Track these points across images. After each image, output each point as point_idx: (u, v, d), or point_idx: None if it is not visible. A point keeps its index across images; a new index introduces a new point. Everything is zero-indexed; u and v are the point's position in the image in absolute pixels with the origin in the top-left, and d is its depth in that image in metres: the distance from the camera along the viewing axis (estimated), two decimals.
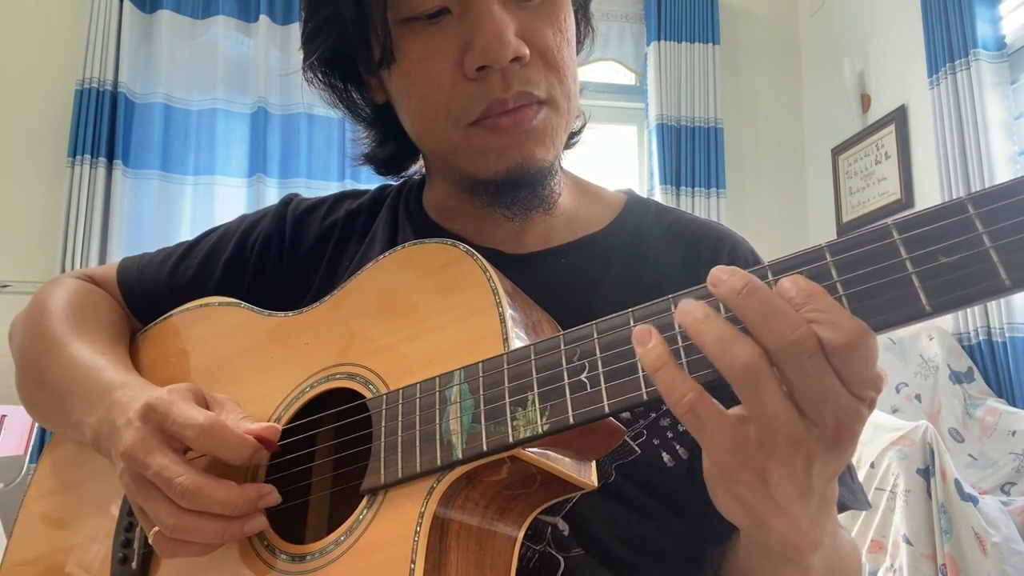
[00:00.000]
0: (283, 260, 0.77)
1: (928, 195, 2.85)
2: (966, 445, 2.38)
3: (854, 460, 1.67)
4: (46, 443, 0.78)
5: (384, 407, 0.53)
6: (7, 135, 2.87)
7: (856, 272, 0.38)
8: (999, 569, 1.78)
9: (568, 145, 0.74)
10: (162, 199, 2.90)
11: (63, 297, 0.76)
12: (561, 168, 0.73)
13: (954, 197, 0.37)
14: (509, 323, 0.51)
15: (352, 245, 0.77)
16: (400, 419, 0.52)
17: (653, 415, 0.62)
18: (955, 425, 2.42)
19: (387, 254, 0.61)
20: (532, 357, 0.47)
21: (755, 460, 0.39)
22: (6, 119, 2.88)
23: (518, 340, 0.50)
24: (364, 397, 0.56)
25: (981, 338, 2.56)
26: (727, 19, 3.57)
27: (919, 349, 2.60)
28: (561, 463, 0.50)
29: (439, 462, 0.48)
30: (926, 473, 1.85)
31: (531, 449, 0.48)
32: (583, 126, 0.76)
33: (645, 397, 0.42)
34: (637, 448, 0.61)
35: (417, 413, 0.51)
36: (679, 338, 0.41)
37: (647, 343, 0.41)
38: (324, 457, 0.62)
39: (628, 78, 3.56)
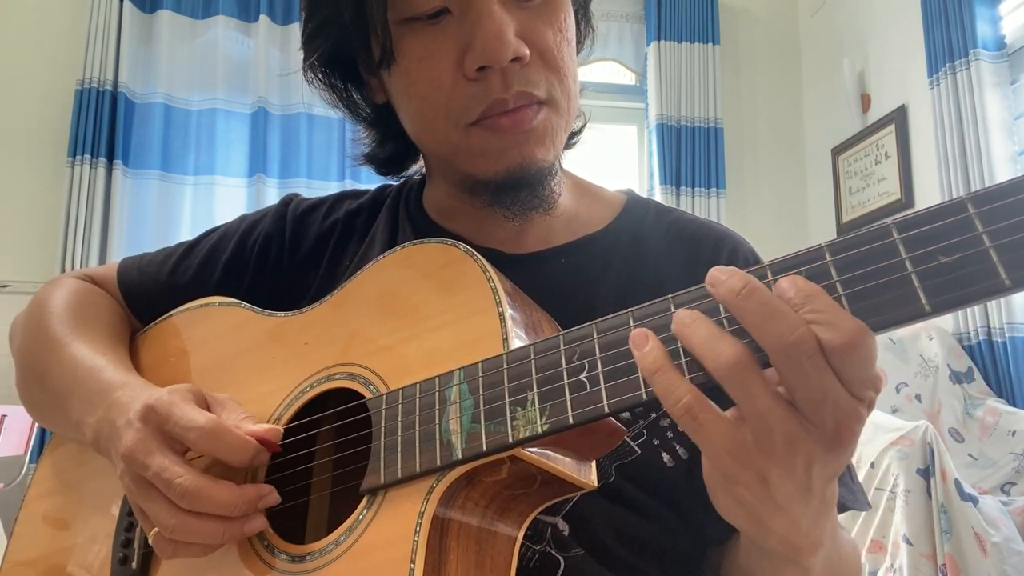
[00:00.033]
0: (283, 260, 0.77)
1: (928, 195, 2.85)
2: (966, 445, 2.38)
3: (854, 460, 1.67)
4: (46, 443, 0.78)
5: (384, 407, 0.53)
6: (7, 135, 2.87)
7: (856, 272, 0.38)
8: (999, 569, 1.78)
9: (568, 145, 0.74)
10: (162, 199, 2.90)
11: (63, 297, 0.76)
12: (561, 168, 0.73)
13: (954, 197, 0.37)
14: (509, 323, 0.51)
15: (352, 245, 0.77)
16: (400, 419, 0.52)
17: (653, 415, 0.62)
18: (955, 425, 2.42)
19: (387, 254, 0.61)
20: (532, 357, 0.47)
21: (754, 461, 0.39)
22: (6, 119, 2.88)
23: (518, 340, 0.50)
24: (364, 397, 0.56)
25: (981, 338, 2.56)
26: (727, 19, 3.57)
27: (919, 349, 2.60)
28: (561, 463, 0.50)
29: (439, 462, 0.48)
30: (926, 473, 1.85)
31: (531, 449, 0.48)
32: (583, 126, 0.76)
33: (644, 397, 0.42)
34: (637, 448, 0.61)
35: (417, 413, 0.51)
36: (678, 339, 0.41)
37: (644, 346, 0.41)
38: (324, 457, 0.62)
39: (628, 78, 3.56)
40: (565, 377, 0.45)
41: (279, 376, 0.62)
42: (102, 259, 2.76)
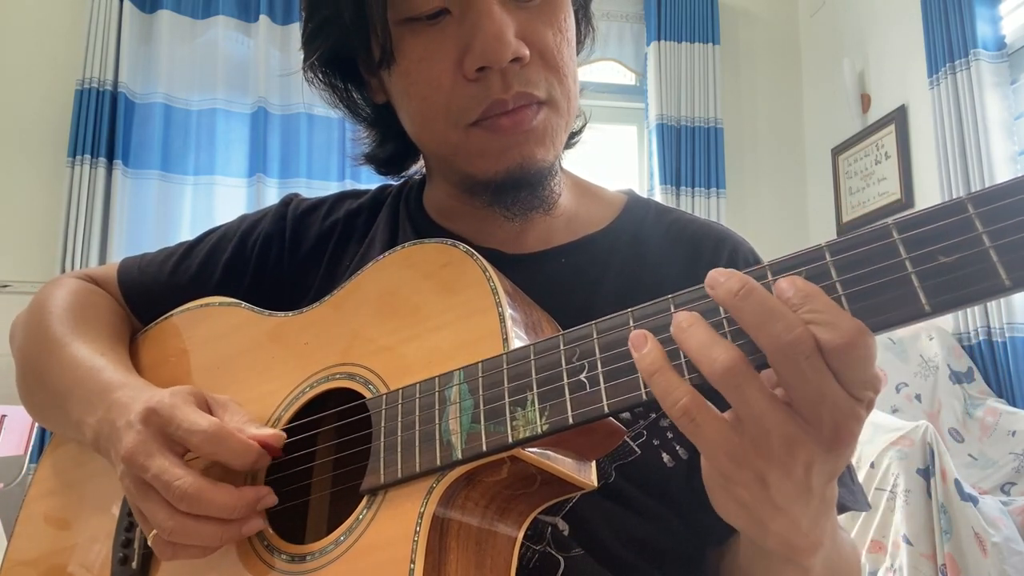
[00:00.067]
0: (283, 260, 0.77)
1: (928, 195, 2.85)
2: (966, 445, 2.38)
3: (854, 460, 1.67)
4: (46, 443, 0.78)
5: (384, 407, 0.53)
6: (7, 135, 2.87)
7: (856, 272, 0.38)
8: (999, 569, 1.78)
9: (568, 145, 0.74)
10: (162, 199, 2.90)
11: (63, 297, 0.76)
12: (561, 168, 0.73)
13: (954, 197, 0.37)
14: (509, 323, 0.51)
15: (352, 245, 0.77)
16: (400, 419, 0.52)
17: (653, 415, 0.62)
18: (955, 425, 2.42)
19: (387, 254, 0.61)
20: (532, 357, 0.47)
21: (752, 462, 0.39)
22: (6, 119, 2.88)
23: (518, 340, 0.50)
24: (364, 397, 0.56)
25: (981, 338, 2.56)
26: (727, 19, 3.57)
27: (919, 349, 2.60)
28: (561, 463, 0.50)
29: (439, 462, 0.48)
30: (926, 473, 1.85)
31: (531, 449, 0.48)
32: (583, 126, 0.76)
33: (644, 398, 0.42)
34: (637, 448, 0.61)
35: (417, 413, 0.51)
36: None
37: (643, 347, 0.41)
38: (324, 457, 0.62)
39: (628, 78, 3.56)
40: (565, 377, 0.45)
41: (279, 376, 0.62)
42: (102, 259, 2.77)
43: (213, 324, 0.71)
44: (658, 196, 3.21)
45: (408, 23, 0.61)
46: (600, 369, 0.44)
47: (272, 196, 2.92)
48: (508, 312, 0.51)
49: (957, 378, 2.52)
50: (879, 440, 1.94)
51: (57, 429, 0.75)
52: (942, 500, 1.81)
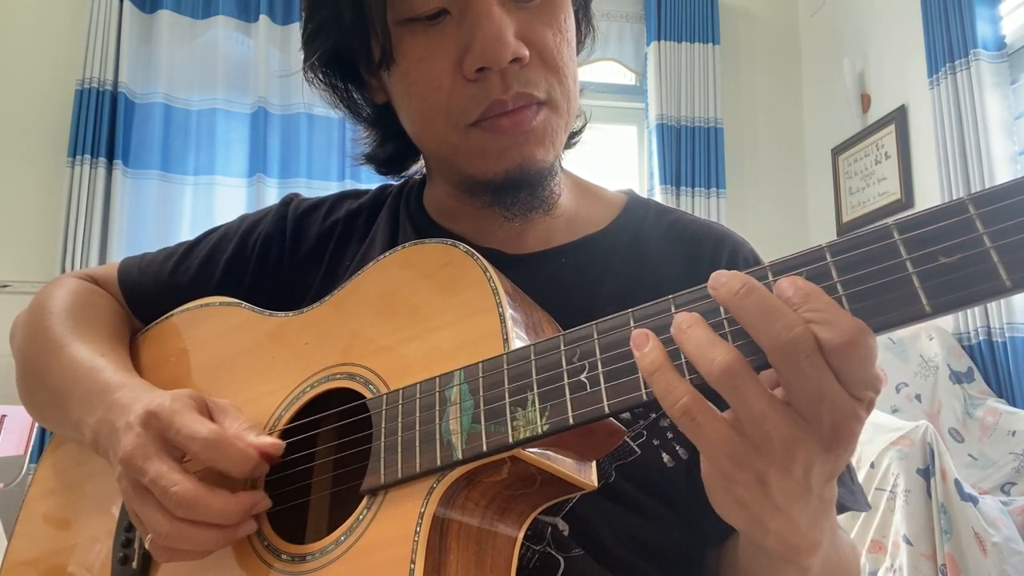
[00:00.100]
0: (284, 260, 0.77)
1: (928, 195, 2.85)
2: (966, 445, 2.38)
3: (854, 460, 1.67)
4: (46, 443, 0.78)
5: (384, 407, 0.53)
6: (7, 135, 2.87)
7: (856, 272, 0.38)
8: (999, 569, 1.78)
9: (568, 145, 0.73)
10: (162, 199, 2.90)
11: (64, 297, 0.76)
12: (561, 168, 0.73)
13: (954, 197, 0.37)
14: (509, 323, 0.51)
15: (353, 245, 0.77)
16: (400, 419, 0.52)
17: (653, 416, 0.62)
18: (955, 425, 2.42)
19: (387, 254, 0.61)
20: (532, 357, 0.47)
21: (752, 462, 0.39)
22: (6, 119, 2.88)
23: (518, 340, 0.50)
24: (364, 397, 0.56)
25: (981, 338, 2.56)
26: (727, 19, 3.57)
27: (919, 349, 2.60)
28: (561, 463, 0.50)
29: (439, 462, 0.48)
30: (926, 473, 1.85)
31: (531, 449, 0.48)
32: (584, 126, 0.76)
33: (645, 398, 0.42)
34: (637, 448, 0.61)
35: (417, 413, 0.51)
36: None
37: (644, 347, 0.41)
38: (324, 457, 0.62)
39: (628, 78, 3.56)
40: (565, 377, 0.45)
41: (279, 376, 0.62)
42: (102, 259, 2.76)
43: (213, 324, 0.71)
44: (658, 196, 3.21)
45: (408, 23, 0.61)
46: (601, 369, 0.44)
47: (272, 196, 2.92)
48: (509, 312, 0.51)
49: (957, 378, 2.52)
50: (879, 440, 1.94)
51: (57, 429, 0.75)
52: (942, 500, 1.81)
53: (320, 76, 0.71)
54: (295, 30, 3.02)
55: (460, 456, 0.47)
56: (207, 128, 2.99)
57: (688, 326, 0.40)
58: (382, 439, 0.52)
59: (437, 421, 0.49)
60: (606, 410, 0.43)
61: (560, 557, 0.58)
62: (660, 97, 3.33)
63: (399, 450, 0.51)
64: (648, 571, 0.61)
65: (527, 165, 0.62)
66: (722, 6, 3.53)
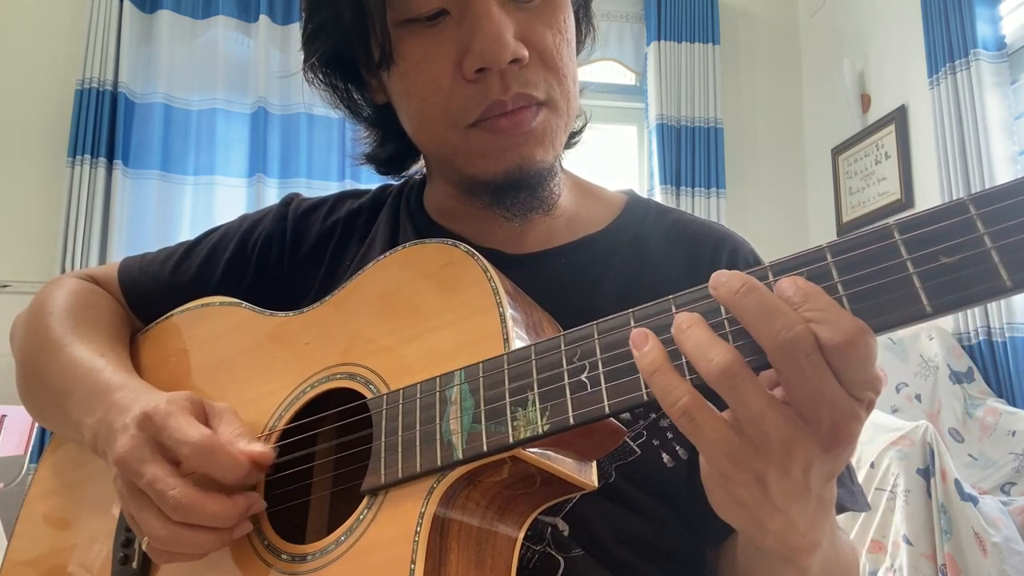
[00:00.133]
0: (284, 260, 0.77)
1: (928, 195, 2.85)
2: (966, 445, 2.38)
3: (854, 460, 1.67)
4: (46, 443, 0.78)
5: (384, 407, 0.53)
6: (7, 135, 2.87)
7: (857, 273, 0.38)
8: (999, 569, 1.78)
9: (569, 145, 0.73)
10: (162, 199, 2.90)
11: (64, 297, 0.76)
12: (562, 168, 0.73)
13: (954, 197, 0.37)
14: (510, 323, 0.51)
15: (353, 245, 0.77)
16: (400, 419, 0.52)
17: (653, 416, 0.62)
18: (955, 425, 2.42)
19: (388, 254, 0.61)
20: (532, 357, 0.47)
21: (751, 463, 0.39)
22: (6, 119, 2.88)
23: (519, 340, 0.50)
24: (364, 397, 0.56)
25: (981, 338, 2.56)
26: (727, 19, 3.57)
27: (919, 349, 2.60)
28: (561, 463, 0.50)
29: (439, 462, 0.48)
30: (926, 473, 1.85)
31: (531, 449, 0.48)
32: (584, 126, 0.76)
33: (645, 398, 0.42)
34: (637, 449, 0.61)
35: (417, 413, 0.51)
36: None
37: (643, 346, 0.41)
38: (325, 457, 0.62)
39: (628, 78, 3.56)
40: (566, 377, 0.45)
41: (280, 376, 0.62)
42: (102, 259, 2.76)
43: (213, 324, 0.71)
44: (658, 196, 3.21)
45: (407, 24, 0.61)
46: (601, 369, 0.44)
47: (272, 196, 2.92)
48: (509, 312, 0.51)
49: (957, 378, 2.52)
50: (879, 440, 1.94)
51: (57, 429, 0.75)
52: (942, 500, 1.81)
53: (320, 76, 0.71)
54: (295, 30, 3.02)
55: (460, 456, 0.47)
56: (207, 128, 2.99)
57: (688, 326, 0.40)
58: (382, 439, 0.52)
59: (437, 421, 0.49)
60: (606, 410, 0.43)
61: (560, 557, 0.58)
62: (660, 97, 3.33)
63: (399, 450, 0.51)
64: (648, 571, 0.61)
65: (527, 165, 0.62)
66: (722, 6, 3.53)
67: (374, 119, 0.75)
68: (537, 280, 0.62)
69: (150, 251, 0.84)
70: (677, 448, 0.62)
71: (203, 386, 0.67)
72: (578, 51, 0.70)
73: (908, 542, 1.81)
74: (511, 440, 0.46)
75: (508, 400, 0.47)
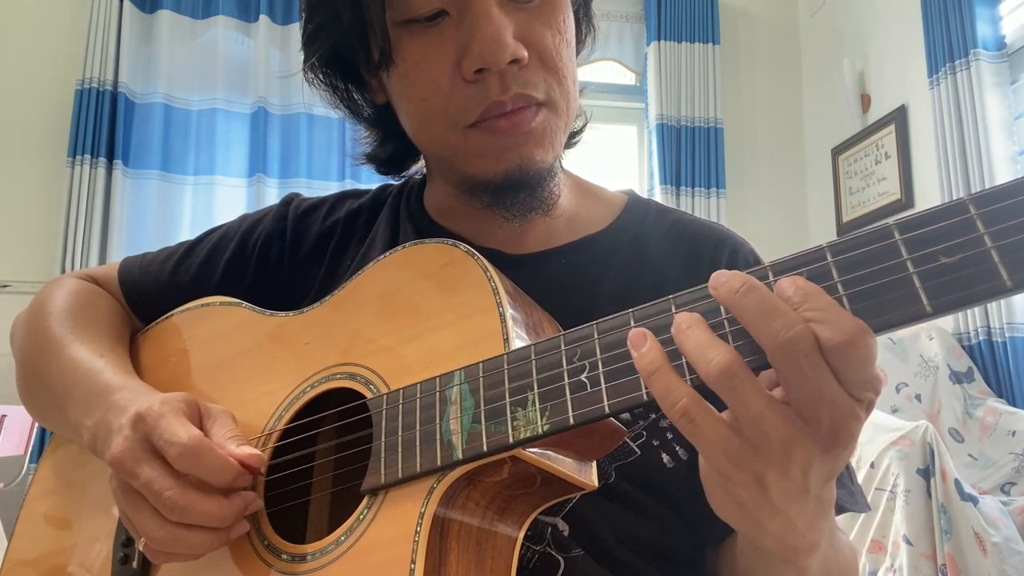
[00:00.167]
0: (284, 260, 0.77)
1: (928, 195, 2.85)
2: (966, 445, 2.38)
3: (854, 460, 1.67)
4: (46, 443, 0.78)
5: (384, 407, 0.53)
6: (7, 135, 2.87)
7: (857, 272, 0.38)
8: (999, 569, 1.78)
9: (569, 145, 0.73)
10: (162, 199, 2.90)
11: (63, 297, 0.76)
12: (562, 168, 0.73)
13: (954, 197, 0.37)
14: (510, 323, 0.51)
15: (353, 245, 0.77)
16: (400, 419, 0.52)
17: (653, 416, 0.62)
18: (955, 425, 2.42)
19: (388, 254, 0.61)
20: (532, 357, 0.47)
21: (750, 463, 0.39)
22: (6, 119, 2.88)
23: (519, 340, 0.50)
24: (364, 397, 0.56)
25: (981, 338, 2.56)
26: (727, 19, 3.57)
27: (919, 349, 2.60)
28: (561, 463, 0.50)
29: (439, 462, 0.48)
30: (926, 473, 1.85)
31: (531, 449, 0.48)
32: (584, 126, 0.76)
33: (645, 398, 0.42)
34: (637, 449, 0.61)
35: (417, 413, 0.51)
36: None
37: (642, 347, 0.41)
38: (325, 457, 0.62)
39: (628, 78, 3.56)
40: (566, 377, 0.45)
41: (280, 376, 0.62)
42: (102, 259, 2.76)
43: (213, 324, 0.71)
44: (658, 196, 3.21)
45: (407, 25, 0.61)
46: (601, 369, 0.44)
47: (272, 196, 2.92)
48: (509, 312, 0.51)
49: (957, 378, 2.52)
50: (879, 440, 1.94)
51: (57, 430, 0.75)
52: (942, 500, 1.81)
53: (320, 76, 0.71)
54: (295, 30, 3.02)
55: (460, 456, 0.47)
56: (207, 128, 2.99)
57: (688, 326, 0.40)
58: (382, 439, 0.52)
59: (437, 421, 0.49)
60: (606, 410, 0.43)
61: (560, 557, 0.58)
62: (660, 97, 3.33)
63: (399, 450, 0.51)
64: (648, 571, 0.61)
65: (526, 166, 0.62)
66: (722, 6, 3.53)
67: (374, 119, 0.75)
68: (537, 280, 0.62)
69: (150, 251, 0.84)
70: (677, 448, 0.62)
71: (203, 386, 0.67)
72: (578, 51, 0.70)
73: (908, 542, 1.81)
74: (511, 440, 0.46)
75: (508, 400, 0.47)
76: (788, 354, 0.37)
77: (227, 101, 3.03)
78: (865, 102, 3.20)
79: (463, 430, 0.48)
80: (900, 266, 0.37)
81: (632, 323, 0.44)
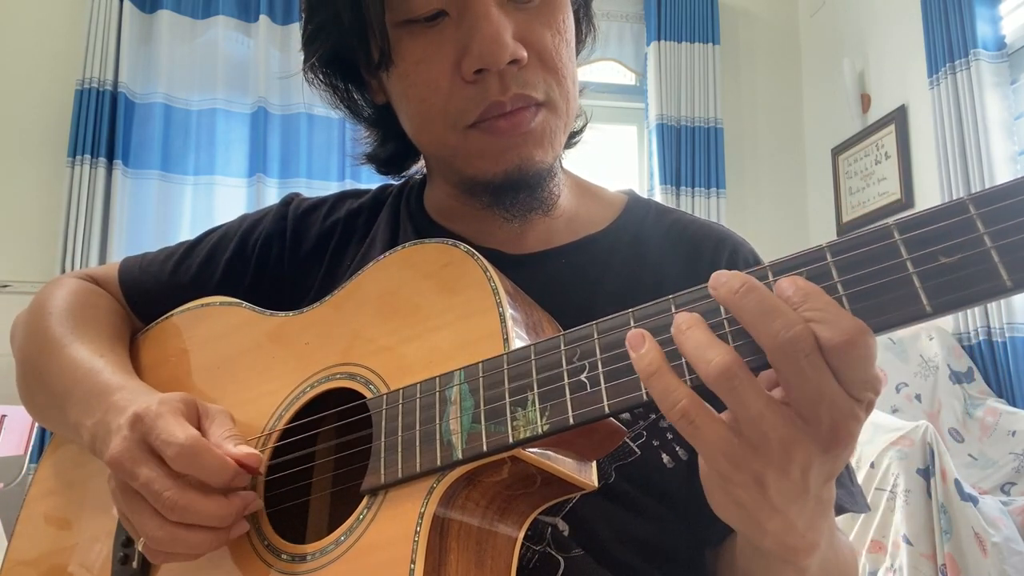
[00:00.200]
0: (284, 260, 0.77)
1: (928, 195, 2.85)
2: (966, 445, 2.38)
3: (854, 460, 1.66)
4: (46, 443, 0.78)
5: (384, 407, 0.53)
6: (7, 135, 2.87)
7: (857, 272, 0.38)
8: (999, 569, 1.78)
9: (569, 145, 0.73)
10: (162, 199, 2.90)
11: (63, 297, 0.76)
12: (562, 168, 0.73)
13: (954, 197, 0.37)
14: (510, 323, 0.51)
15: (353, 245, 0.77)
16: (400, 419, 0.52)
17: (653, 416, 0.62)
18: (955, 425, 2.42)
19: (388, 254, 0.61)
20: (532, 357, 0.47)
21: (749, 463, 0.39)
22: (6, 119, 2.88)
23: (519, 340, 0.50)
24: (364, 397, 0.56)
25: (981, 338, 2.56)
26: (727, 19, 3.57)
27: (919, 349, 2.60)
28: (561, 463, 0.50)
29: (439, 462, 0.48)
30: (926, 473, 1.85)
31: (531, 449, 0.48)
32: (584, 126, 0.76)
33: (645, 398, 0.42)
34: (637, 449, 0.61)
35: (417, 413, 0.51)
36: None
37: (640, 348, 0.41)
38: (324, 457, 0.62)
39: (628, 78, 3.56)
40: (566, 377, 0.45)
41: (280, 376, 0.62)
42: (102, 259, 2.76)
43: (213, 324, 0.71)
44: (658, 196, 3.21)
45: (406, 25, 0.61)
46: (601, 369, 0.44)
47: (272, 196, 2.92)
48: (509, 312, 0.51)
49: (957, 378, 2.52)
50: (879, 440, 1.94)
51: (57, 430, 0.75)
52: (942, 500, 1.81)
53: (320, 76, 0.71)
54: (295, 30, 3.02)
55: (460, 456, 0.47)
56: (207, 128, 2.99)
57: (688, 327, 0.40)
58: (382, 439, 0.52)
59: (437, 421, 0.49)
60: (606, 410, 0.43)
61: (560, 557, 0.58)
62: (660, 97, 3.33)
63: (399, 450, 0.51)
64: (648, 571, 0.61)
65: (525, 166, 0.62)
66: (722, 6, 3.53)
67: (374, 119, 0.75)
68: (537, 280, 0.62)
69: (150, 251, 0.84)
70: (677, 449, 0.62)
71: (203, 386, 0.67)
72: (578, 51, 0.70)
73: (908, 542, 1.81)
74: (511, 440, 0.46)
75: (508, 400, 0.47)
76: (788, 354, 0.37)
77: (227, 101, 3.03)
78: (865, 102, 3.20)
79: (463, 430, 0.48)
80: (900, 266, 0.37)
81: (632, 323, 0.44)
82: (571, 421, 0.44)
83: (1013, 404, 2.42)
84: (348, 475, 0.59)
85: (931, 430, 1.89)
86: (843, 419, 0.38)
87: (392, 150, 0.76)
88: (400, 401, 0.52)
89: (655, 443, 0.62)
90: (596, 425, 0.46)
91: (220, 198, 2.96)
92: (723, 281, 0.39)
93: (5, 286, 2.75)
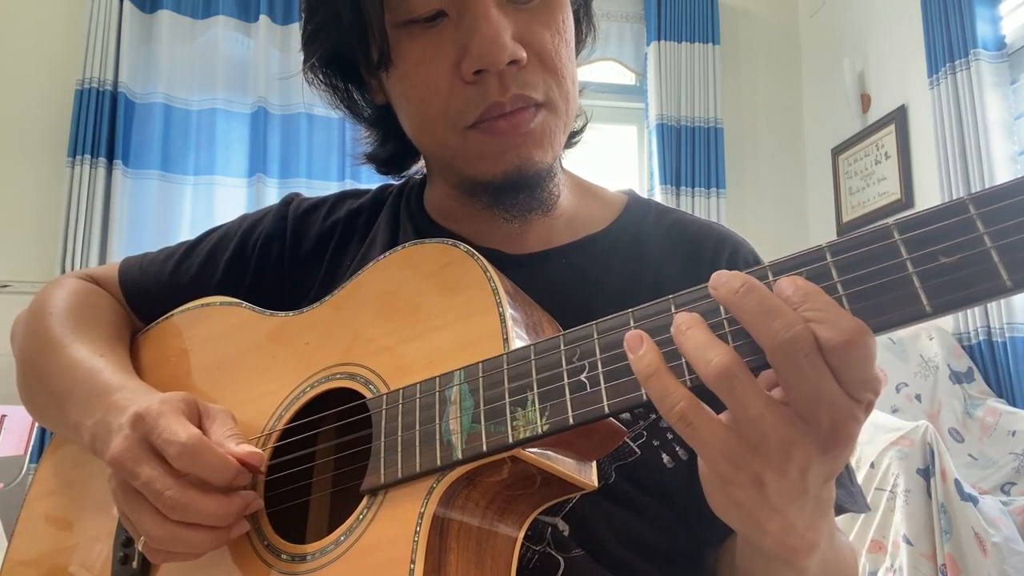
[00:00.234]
0: (284, 260, 0.77)
1: (928, 195, 2.85)
2: (966, 445, 2.38)
3: (853, 460, 1.66)
4: (46, 443, 0.78)
5: (384, 407, 0.53)
6: (7, 135, 2.87)
7: (857, 272, 0.38)
8: (999, 569, 1.78)
9: (569, 145, 0.73)
10: (162, 199, 2.90)
11: (64, 297, 0.76)
12: (562, 168, 0.73)
13: (954, 197, 0.37)
14: (509, 323, 0.51)
15: (353, 245, 0.77)
16: (400, 419, 0.52)
17: (653, 416, 0.62)
18: (955, 425, 2.42)
19: (388, 254, 0.61)
20: (532, 357, 0.47)
21: (749, 464, 0.39)
22: (6, 119, 2.88)
23: (518, 340, 0.50)
24: (364, 397, 0.56)
25: (981, 338, 2.56)
26: (727, 19, 3.57)
27: (919, 349, 2.60)
28: (561, 463, 0.50)
29: (439, 462, 0.48)
30: (926, 473, 1.85)
31: (531, 449, 0.48)
32: (584, 126, 0.76)
33: (645, 398, 0.42)
34: (637, 449, 0.61)
35: (417, 413, 0.51)
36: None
37: (638, 349, 0.41)
38: (324, 457, 0.62)
39: (628, 78, 3.56)
40: (565, 377, 0.45)
41: (280, 376, 0.62)
42: (102, 259, 2.77)
43: (214, 324, 0.71)
44: (658, 196, 3.21)
45: (406, 26, 0.61)
46: (601, 369, 0.44)
47: (272, 196, 2.92)
48: (509, 312, 0.51)
49: (957, 378, 2.52)
50: (879, 440, 1.94)
51: (57, 430, 0.75)
52: (942, 500, 1.81)
53: (320, 76, 0.71)
54: (295, 30, 3.02)
55: (460, 456, 0.47)
56: (207, 128, 2.99)
57: (687, 327, 0.40)
58: (382, 439, 0.52)
59: (437, 421, 0.49)
60: (606, 410, 0.43)
61: (560, 557, 0.58)
62: (660, 97, 3.33)
63: (399, 450, 0.51)
64: (648, 571, 0.61)
65: (525, 167, 0.62)
66: (722, 6, 3.53)
67: (374, 119, 0.75)
68: (537, 280, 0.62)
69: (150, 251, 0.84)
70: (677, 449, 0.62)
71: (203, 386, 0.67)
72: (578, 51, 0.70)
73: (908, 542, 1.81)
74: (511, 440, 0.46)
75: (508, 400, 0.47)
76: (788, 354, 0.37)
77: (227, 101, 3.03)
78: (865, 102, 3.20)
79: (463, 430, 0.48)
80: (900, 266, 0.37)
81: (632, 323, 0.44)
82: (571, 421, 0.44)
83: (1013, 404, 2.42)
84: (348, 475, 0.59)
85: (931, 430, 1.89)
86: (842, 419, 0.38)
87: (392, 150, 0.76)
88: (400, 401, 0.52)
89: (655, 443, 0.62)
90: (596, 425, 0.46)
91: (220, 198, 2.96)
92: (723, 281, 0.39)
93: (5, 286, 2.75)
